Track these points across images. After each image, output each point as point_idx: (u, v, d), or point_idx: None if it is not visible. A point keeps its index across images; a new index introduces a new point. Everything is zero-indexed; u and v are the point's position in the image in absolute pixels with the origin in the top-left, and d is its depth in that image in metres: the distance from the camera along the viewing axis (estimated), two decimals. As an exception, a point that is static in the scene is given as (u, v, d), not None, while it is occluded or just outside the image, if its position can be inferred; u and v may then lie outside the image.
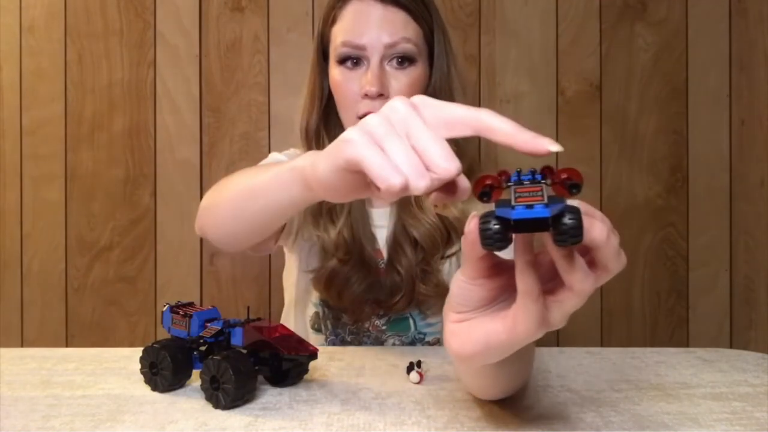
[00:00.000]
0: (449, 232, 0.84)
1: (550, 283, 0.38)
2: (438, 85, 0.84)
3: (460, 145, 0.82)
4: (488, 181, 0.36)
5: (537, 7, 1.44)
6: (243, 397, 0.55)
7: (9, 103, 1.45)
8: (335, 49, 0.82)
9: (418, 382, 0.61)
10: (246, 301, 1.45)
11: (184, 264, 1.45)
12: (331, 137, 0.85)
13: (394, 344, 0.86)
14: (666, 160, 1.45)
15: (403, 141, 0.37)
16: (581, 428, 0.50)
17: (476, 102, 1.44)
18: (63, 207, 1.45)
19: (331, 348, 0.80)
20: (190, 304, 0.64)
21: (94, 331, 1.45)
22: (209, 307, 0.62)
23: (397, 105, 0.39)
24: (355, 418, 0.52)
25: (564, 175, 0.35)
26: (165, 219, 1.44)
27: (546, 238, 0.34)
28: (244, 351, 0.58)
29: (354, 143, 0.38)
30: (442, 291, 0.82)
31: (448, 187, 0.38)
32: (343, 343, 0.87)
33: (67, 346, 1.44)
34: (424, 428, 0.50)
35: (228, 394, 0.53)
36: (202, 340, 0.60)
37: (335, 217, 0.84)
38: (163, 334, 0.63)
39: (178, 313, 0.62)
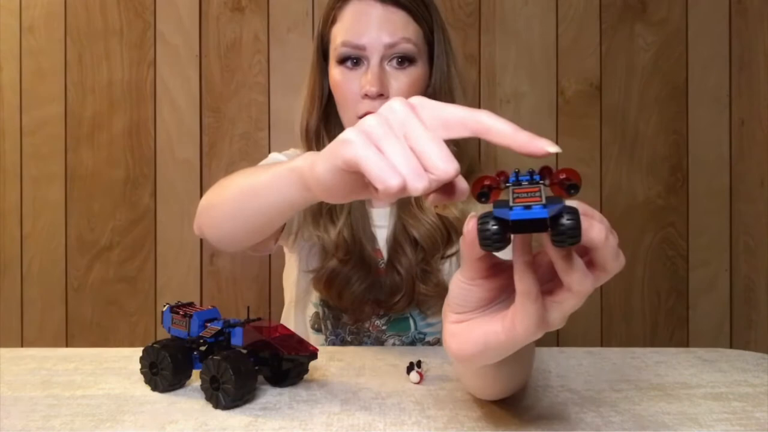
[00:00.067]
0: (449, 232, 0.84)
1: (549, 283, 0.38)
2: (438, 85, 0.84)
3: (460, 146, 0.82)
4: (487, 182, 0.36)
5: (537, 7, 1.44)
6: (243, 397, 0.55)
7: (9, 103, 1.45)
8: (335, 49, 0.82)
9: (418, 382, 0.61)
10: (246, 301, 1.45)
11: (184, 264, 1.45)
12: (331, 137, 0.85)
13: (394, 344, 0.86)
14: (666, 160, 1.45)
15: (401, 142, 0.37)
16: (581, 428, 0.50)
17: (476, 102, 1.44)
18: (63, 207, 1.45)
19: (331, 348, 0.80)
20: (190, 304, 0.64)
21: (94, 331, 1.45)
22: (209, 307, 0.62)
23: (395, 106, 0.39)
24: (355, 418, 0.52)
25: (562, 176, 0.35)
26: (165, 219, 1.44)
27: (544, 238, 0.34)
28: (244, 351, 0.58)
29: (352, 144, 0.38)
30: (442, 291, 0.82)
31: (447, 188, 0.38)
32: (343, 343, 0.87)
33: (67, 346, 1.44)
34: (424, 428, 0.50)
35: (228, 394, 0.54)
36: (202, 340, 0.60)
37: (335, 217, 0.84)
38: (163, 334, 0.63)
39: (178, 313, 0.62)
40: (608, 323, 1.46)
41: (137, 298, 1.45)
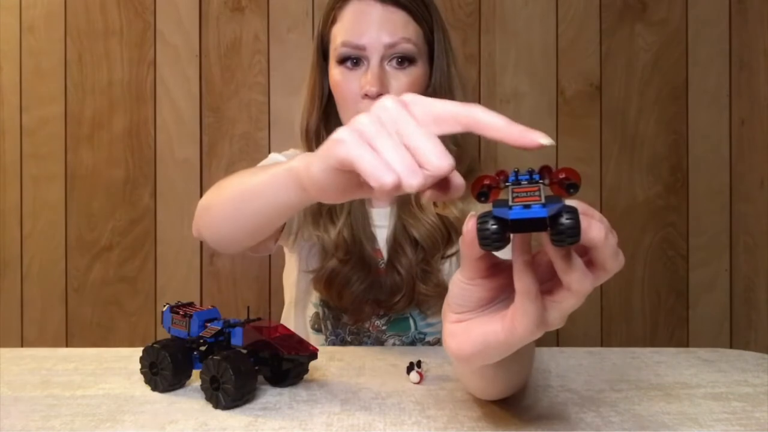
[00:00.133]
0: (449, 232, 0.84)
1: (548, 283, 0.38)
2: (438, 85, 0.84)
3: (461, 146, 0.82)
4: (486, 182, 0.36)
5: (537, 7, 1.44)
6: (243, 397, 0.55)
7: (9, 103, 1.45)
8: (335, 49, 0.82)
9: (418, 382, 0.61)
10: (246, 301, 1.45)
11: (184, 264, 1.45)
12: (332, 137, 0.85)
13: (394, 344, 0.86)
14: (666, 160, 1.45)
15: (394, 139, 0.37)
16: (581, 428, 0.50)
17: (476, 102, 1.43)
18: (63, 207, 1.45)
19: (331, 348, 0.80)
20: (190, 304, 0.64)
21: (94, 331, 1.45)
22: (209, 307, 0.62)
23: (386, 103, 0.39)
24: (355, 418, 0.52)
25: (562, 175, 0.35)
26: (165, 219, 1.44)
27: (544, 238, 0.34)
28: (244, 351, 0.58)
29: (345, 143, 0.38)
30: (442, 291, 0.82)
31: (442, 184, 0.38)
32: (343, 343, 0.87)
33: (67, 346, 1.44)
34: (424, 428, 0.50)
35: (228, 394, 0.53)
36: (202, 340, 0.60)
37: (335, 217, 0.84)
38: (163, 334, 0.63)
39: (178, 313, 0.62)
40: (608, 323, 1.46)
41: (137, 298, 1.45)
